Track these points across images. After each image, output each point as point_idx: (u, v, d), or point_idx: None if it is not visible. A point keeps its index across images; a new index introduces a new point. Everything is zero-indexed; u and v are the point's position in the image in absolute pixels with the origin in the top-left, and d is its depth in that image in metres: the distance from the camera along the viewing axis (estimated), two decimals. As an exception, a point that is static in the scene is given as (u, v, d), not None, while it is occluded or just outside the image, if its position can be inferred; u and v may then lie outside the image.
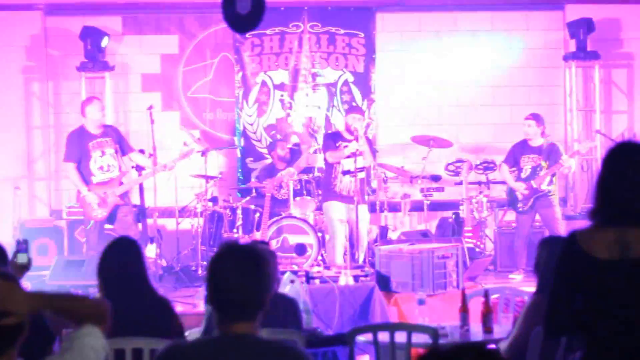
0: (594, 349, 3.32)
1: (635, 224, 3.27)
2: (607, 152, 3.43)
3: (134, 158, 9.42)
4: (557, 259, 3.38)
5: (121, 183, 9.20)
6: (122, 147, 9.29)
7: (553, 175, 9.77)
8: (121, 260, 4.94)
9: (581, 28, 11.17)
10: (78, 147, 9.09)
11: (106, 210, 9.07)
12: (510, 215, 10.49)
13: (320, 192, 9.93)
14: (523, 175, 9.88)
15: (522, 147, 9.93)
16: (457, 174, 10.72)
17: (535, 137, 9.88)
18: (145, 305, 4.88)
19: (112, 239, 5.31)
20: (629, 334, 3.25)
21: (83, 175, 9.07)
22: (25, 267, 4.99)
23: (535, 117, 9.94)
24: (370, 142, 10.03)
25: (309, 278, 8.02)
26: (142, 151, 9.43)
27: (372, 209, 9.91)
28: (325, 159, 9.58)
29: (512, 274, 9.82)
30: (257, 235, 9.50)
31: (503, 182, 10.78)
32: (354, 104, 11.28)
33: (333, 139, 9.58)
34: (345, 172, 9.29)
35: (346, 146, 9.27)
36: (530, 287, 6.14)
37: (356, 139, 9.18)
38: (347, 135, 9.43)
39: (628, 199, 3.29)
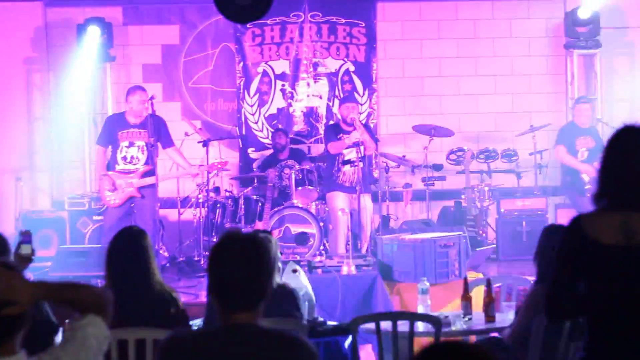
0: (597, 335, 3.32)
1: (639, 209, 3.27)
2: (610, 136, 3.42)
3: (170, 154, 9.31)
4: (560, 242, 3.37)
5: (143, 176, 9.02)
6: (163, 141, 9.13)
7: None
8: (127, 250, 4.95)
9: (582, 16, 11.13)
10: (110, 133, 9.08)
11: (119, 198, 8.94)
12: (515, 203, 10.48)
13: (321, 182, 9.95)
14: (580, 158, 9.79)
15: (573, 129, 9.78)
16: (458, 163, 10.71)
17: (588, 120, 9.81)
18: (151, 296, 4.88)
19: (120, 229, 5.31)
20: (633, 320, 3.25)
21: (109, 162, 9.06)
22: (29, 258, 5.00)
23: (590, 101, 9.91)
24: (371, 131, 10.03)
25: (311, 267, 8.02)
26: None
27: (374, 198, 9.91)
28: (327, 150, 9.58)
29: None
30: (260, 225, 9.50)
31: (506, 171, 10.77)
32: (355, 93, 11.27)
33: (334, 131, 9.58)
34: (345, 162, 9.29)
35: (346, 137, 9.28)
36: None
37: (355, 128, 9.19)
38: (345, 127, 9.43)
39: (631, 183, 3.28)
